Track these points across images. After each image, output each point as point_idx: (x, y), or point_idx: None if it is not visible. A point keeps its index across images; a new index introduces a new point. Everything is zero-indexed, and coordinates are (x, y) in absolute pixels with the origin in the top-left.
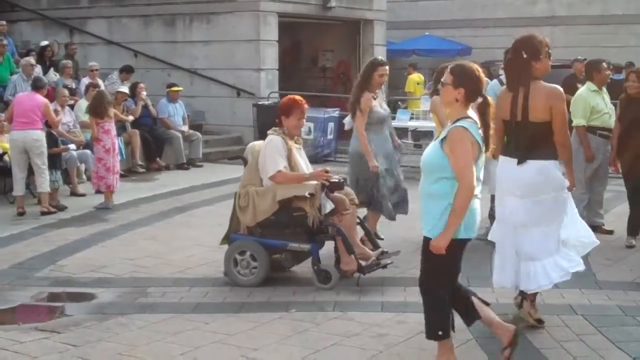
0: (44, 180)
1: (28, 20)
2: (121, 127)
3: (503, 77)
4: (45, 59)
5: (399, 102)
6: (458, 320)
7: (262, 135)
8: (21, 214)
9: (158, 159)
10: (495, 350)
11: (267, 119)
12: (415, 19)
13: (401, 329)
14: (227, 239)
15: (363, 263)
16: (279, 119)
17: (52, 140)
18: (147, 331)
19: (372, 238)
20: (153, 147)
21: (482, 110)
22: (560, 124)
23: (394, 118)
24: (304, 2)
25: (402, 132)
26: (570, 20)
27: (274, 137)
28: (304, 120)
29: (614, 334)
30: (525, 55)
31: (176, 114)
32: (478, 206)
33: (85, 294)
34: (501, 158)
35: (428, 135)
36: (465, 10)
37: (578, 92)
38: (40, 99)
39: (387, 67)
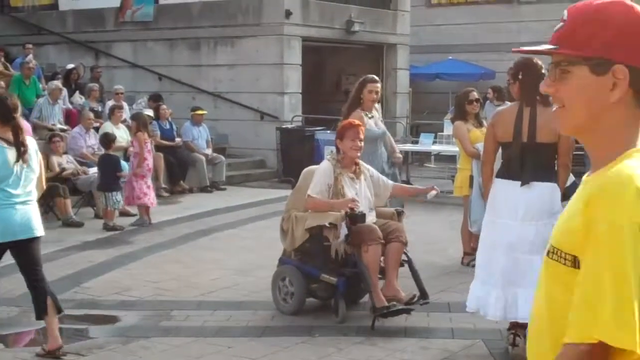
0: None
1: (54, 43)
2: None
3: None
4: (71, 81)
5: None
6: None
7: (284, 158)
8: None
9: (182, 181)
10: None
11: (290, 143)
12: (439, 42)
13: (424, 354)
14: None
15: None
16: (336, 146)
17: (112, 162)
18: (170, 355)
19: (420, 285)
20: (177, 170)
21: None
22: (567, 146)
23: (416, 142)
24: (328, 26)
25: (425, 156)
26: None
27: (323, 163)
28: (360, 142)
29: None
30: (530, 79)
31: (200, 137)
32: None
33: (109, 316)
34: (498, 181)
35: (451, 159)
36: (489, 34)
37: None
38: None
39: (378, 85)
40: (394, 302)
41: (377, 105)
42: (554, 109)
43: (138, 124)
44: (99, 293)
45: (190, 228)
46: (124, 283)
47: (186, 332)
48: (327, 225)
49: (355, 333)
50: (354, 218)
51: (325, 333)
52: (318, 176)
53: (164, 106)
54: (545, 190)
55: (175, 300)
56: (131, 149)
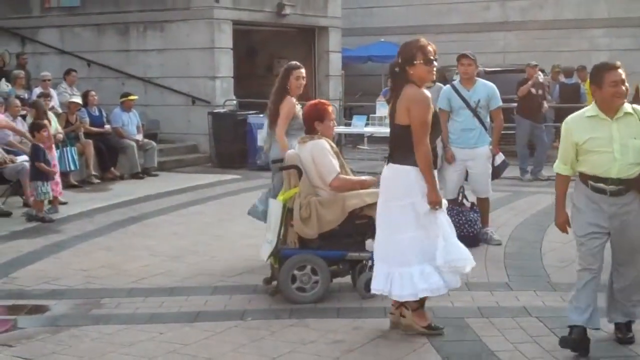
0: None
1: None
2: (74, 137)
3: (456, 82)
4: None
5: None
6: None
7: (217, 143)
8: None
9: (112, 168)
10: (451, 353)
11: (222, 127)
12: (370, 25)
13: (357, 334)
14: (277, 254)
15: None
16: (310, 126)
17: (39, 153)
18: (101, 343)
19: None
20: (107, 156)
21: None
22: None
23: (349, 124)
24: (259, 9)
25: (358, 138)
26: (523, 25)
27: (319, 141)
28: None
29: None
30: (399, 60)
31: (130, 123)
32: None
33: (38, 306)
34: None
35: (384, 140)
36: (419, 16)
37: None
38: None
39: (302, 70)
40: None
41: None
42: None
43: (38, 112)
44: (27, 283)
45: (122, 215)
46: (53, 272)
47: (117, 319)
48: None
49: (288, 315)
50: None
51: (258, 316)
52: (329, 156)
53: (93, 92)
54: (395, 171)
55: (106, 288)
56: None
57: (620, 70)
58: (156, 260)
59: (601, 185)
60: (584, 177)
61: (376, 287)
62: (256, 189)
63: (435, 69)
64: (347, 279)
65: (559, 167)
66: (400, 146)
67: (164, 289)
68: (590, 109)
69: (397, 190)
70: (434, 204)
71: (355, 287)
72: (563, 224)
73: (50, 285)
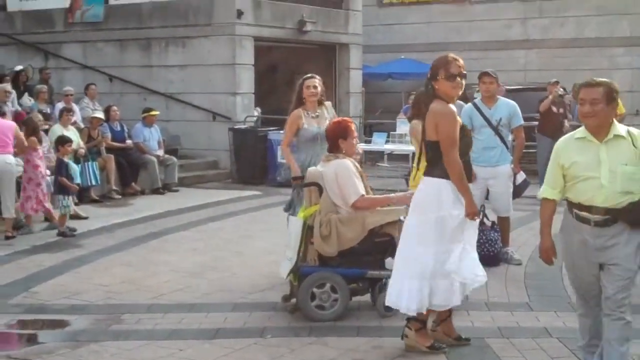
0: (11, 205)
1: (3, 44)
2: (96, 152)
3: (478, 100)
4: (20, 83)
5: None
6: None
7: (237, 159)
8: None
9: (133, 183)
10: None
11: (243, 143)
12: (391, 42)
13: (377, 353)
14: (297, 272)
15: None
16: (334, 143)
17: (62, 167)
18: (121, 358)
19: None
20: (128, 171)
21: None
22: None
23: (369, 141)
24: (280, 26)
25: (378, 155)
26: (543, 43)
27: (344, 161)
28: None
29: None
30: (428, 76)
31: (151, 138)
32: None
33: (59, 321)
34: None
35: (404, 158)
36: (440, 33)
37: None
38: (9, 122)
39: (315, 79)
40: None
41: (328, 103)
42: None
43: (28, 129)
44: (48, 297)
45: (142, 230)
46: (74, 287)
47: (137, 335)
48: (402, 219)
49: (307, 333)
50: None
51: (277, 334)
52: (352, 177)
53: (115, 107)
54: (427, 184)
55: (126, 303)
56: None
57: (592, 89)
58: (176, 276)
59: (585, 214)
60: (570, 205)
61: (388, 299)
62: (276, 205)
63: (461, 84)
64: (367, 297)
65: (546, 191)
66: (431, 160)
67: (184, 305)
68: (580, 130)
69: (428, 203)
70: (472, 214)
71: (375, 305)
72: (546, 252)
73: (71, 300)
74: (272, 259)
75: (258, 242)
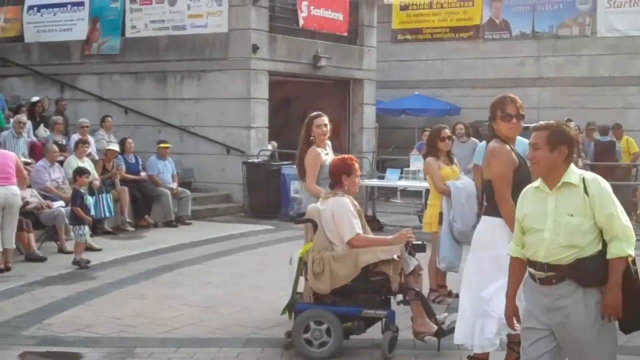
0: (12, 236)
1: (19, 75)
2: (110, 184)
3: None
4: (36, 114)
5: None
6: None
7: (251, 193)
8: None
9: (146, 216)
10: None
11: (256, 177)
12: (405, 78)
13: None
14: (291, 309)
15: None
16: (337, 179)
17: (78, 197)
18: None
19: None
20: (142, 204)
21: None
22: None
23: (382, 177)
24: (295, 61)
25: (391, 191)
26: (557, 81)
27: (341, 199)
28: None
29: None
30: (489, 116)
31: (165, 170)
32: None
33: (72, 353)
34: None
35: (417, 194)
36: (454, 70)
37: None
38: (10, 153)
39: (324, 118)
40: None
41: (328, 142)
42: None
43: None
44: (61, 329)
45: (155, 263)
46: (87, 319)
47: None
48: (396, 258)
49: None
50: (418, 247)
51: None
52: (349, 215)
53: (130, 140)
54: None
55: (139, 337)
56: None
57: (537, 132)
58: (189, 310)
59: (532, 270)
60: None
61: (458, 337)
62: (288, 240)
63: (519, 125)
64: (364, 335)
65: (512, 248)
66: (488, 199)
67: (197, 340)
68: (539, 179)
69: (483, 242)
70: None
71: (380, 347)
72: (509, 317)
73: (84, 332)
74: (284, 294)
75: (270, 276)
